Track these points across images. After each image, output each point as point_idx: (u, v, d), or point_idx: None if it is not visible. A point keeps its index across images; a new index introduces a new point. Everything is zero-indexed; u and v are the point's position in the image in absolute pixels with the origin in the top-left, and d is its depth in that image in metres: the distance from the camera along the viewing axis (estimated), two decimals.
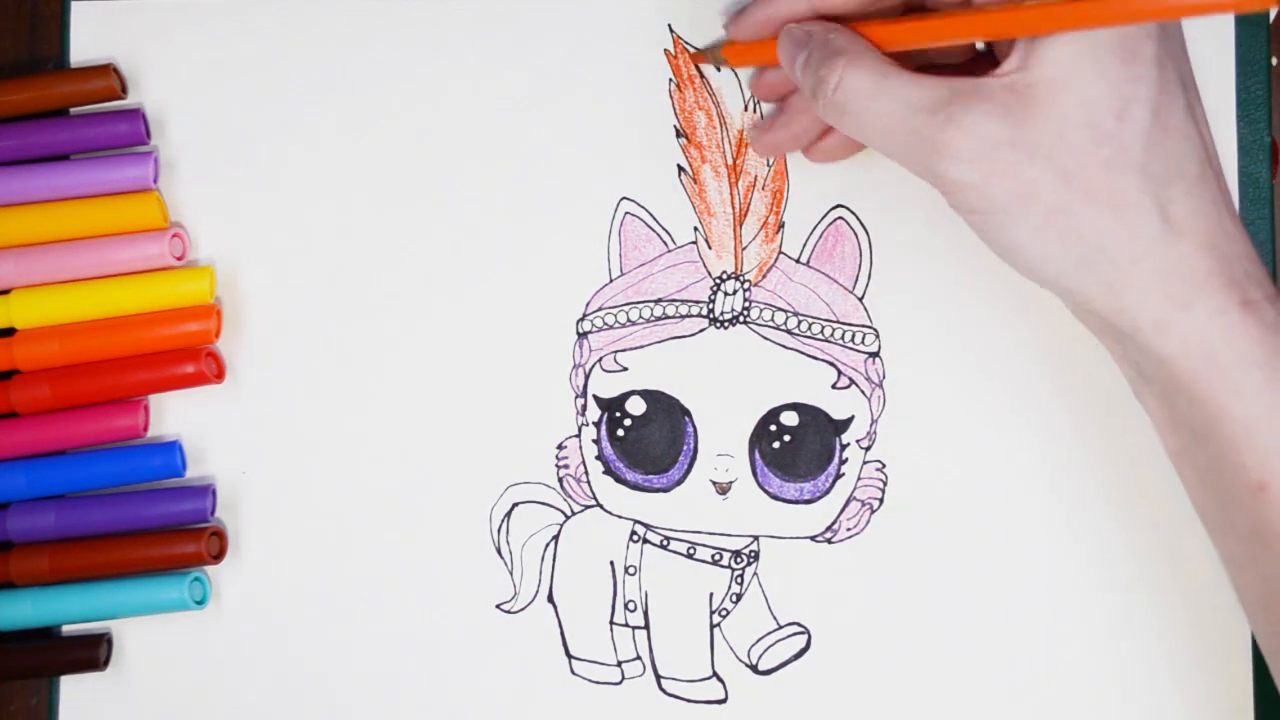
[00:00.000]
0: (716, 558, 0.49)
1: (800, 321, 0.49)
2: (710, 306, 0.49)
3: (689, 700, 0.49)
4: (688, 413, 0.49)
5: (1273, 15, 0.49)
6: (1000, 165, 0.37)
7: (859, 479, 0.49)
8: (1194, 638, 0.48)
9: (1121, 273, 0.37)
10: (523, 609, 0.49)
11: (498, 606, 0.49)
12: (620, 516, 0.49)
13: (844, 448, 0.49)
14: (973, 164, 0.37)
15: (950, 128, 0.37)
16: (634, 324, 0.49)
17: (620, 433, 0.49)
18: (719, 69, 0.48)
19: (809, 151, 0.47)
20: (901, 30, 0.41)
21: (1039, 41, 0.37)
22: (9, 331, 0.48)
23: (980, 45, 0.43)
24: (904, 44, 0.41)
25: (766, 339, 0.49)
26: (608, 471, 0.49)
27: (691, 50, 0.48)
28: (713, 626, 0.49)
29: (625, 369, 0.49)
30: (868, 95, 0.39)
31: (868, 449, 0.49)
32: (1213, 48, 0.49)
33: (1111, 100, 0.36)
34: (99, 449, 0.49)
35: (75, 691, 0.49)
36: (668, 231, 0.49)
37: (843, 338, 0.49)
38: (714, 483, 0.49)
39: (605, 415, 0.49)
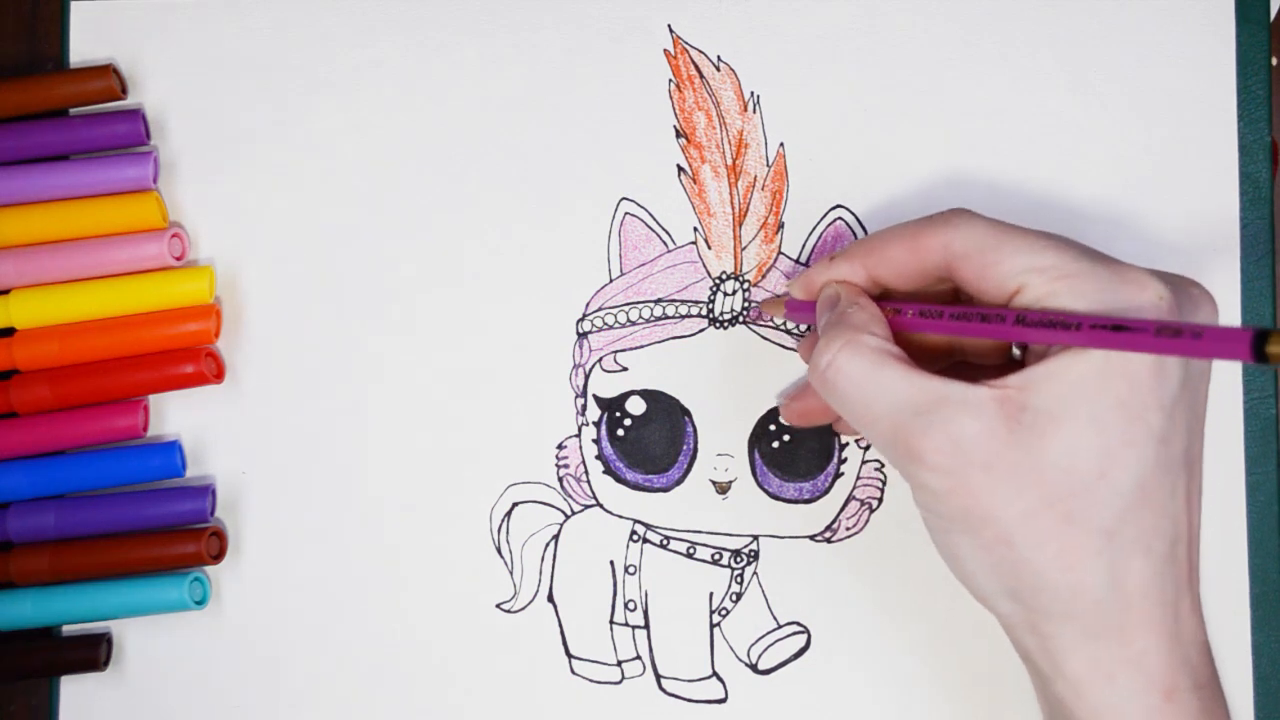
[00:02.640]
0: (716, 557, 0.49)
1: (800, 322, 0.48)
2: (710, 306, 0.49)
3: (689, 700, 0.49)
4: (688, 412, 0.49)
5: (1273, 14, 0.49)
6: (966, 485, 0.36)
7: (858, 478, 0.49)
8: None
9: (1053, 624, 0.36)
10: (523, 609, 0.49)
11: (498, 606, 0.49)
12: (620, 516, 0.49)
13: (843, 447, 0.49)
14: (941, 476, 0.36)
15: (929, 436, 0.36)
16: (634, 324, 0.49)
17: (620, 432, 0.49)
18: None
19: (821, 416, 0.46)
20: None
21: (1049, 369, 0.35)
22: (9, 331, 0.48)
23: (1015, 352, 0.40)
24: (929, 331, 0.40)
25: (766, 339, 0.49)
26: (608, 471, 0.49)
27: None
28: (713, 626, 0.49)
29: (625, 369, 0.49)
30: (857, 381, 0.38)
31: (867, 448, 0.49)
32: (1213, 47, 0.49)
33: (1098, 457, 0.35)
34: (99, 449, 0.49)
35: (75, 691, 0.49)
36: (667, 231, 0.49)
37: None
38: (714, 482, 0.49)
39: (605, 415, 0.49)
